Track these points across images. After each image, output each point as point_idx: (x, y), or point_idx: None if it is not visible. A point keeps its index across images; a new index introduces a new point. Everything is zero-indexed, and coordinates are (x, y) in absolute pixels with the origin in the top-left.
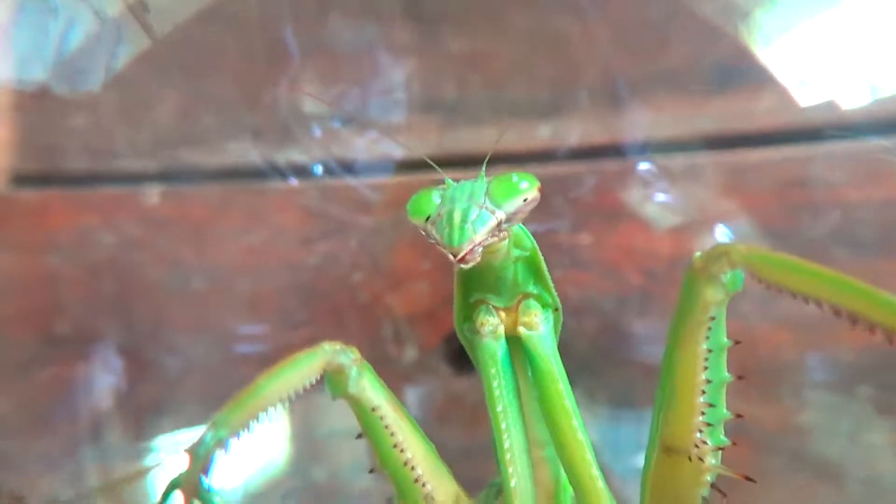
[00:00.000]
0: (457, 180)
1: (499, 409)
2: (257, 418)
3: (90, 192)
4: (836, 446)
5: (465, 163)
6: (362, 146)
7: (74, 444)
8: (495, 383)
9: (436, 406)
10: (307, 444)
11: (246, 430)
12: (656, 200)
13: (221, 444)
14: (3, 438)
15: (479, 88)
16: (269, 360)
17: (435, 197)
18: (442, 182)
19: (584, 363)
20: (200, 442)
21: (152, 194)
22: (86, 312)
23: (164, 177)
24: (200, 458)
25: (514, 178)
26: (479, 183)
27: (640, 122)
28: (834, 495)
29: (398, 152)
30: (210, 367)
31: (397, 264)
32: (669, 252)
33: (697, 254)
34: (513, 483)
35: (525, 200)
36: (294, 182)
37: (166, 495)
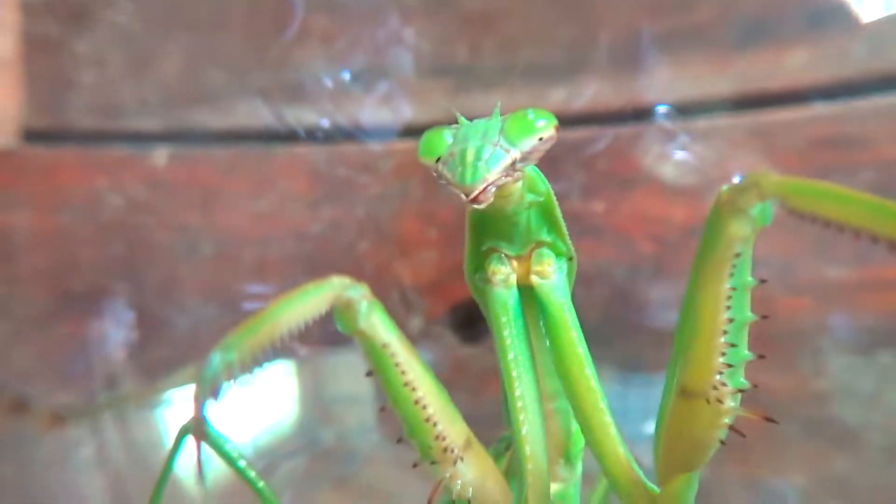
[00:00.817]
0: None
1: (510, 357)
2: (267, 346)
3: (99, 152)
4: (855, 412)
5: None
6: (370, 109)
7: (91, 397)
8: (506, 332)
9: (441, 374)
10: (316, 406)
11: (255, 358)
12: (674, 166)
13: (230, 368)
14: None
15: (491, 50)
16: None
17: (447, 136)
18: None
19: (594, 331)
20: (208, 364)
21: (160, 156)
22: (98, 272)
23: (172, 137)
24: (208, 381)
25: (530, 115)
26: (493, 121)
27: (658, 83)
28: (850, 461)
29: (407, 116)
30: (219, 329)
31: (404, 233)
32: (683, 219)
33: (724, 187)
34: (524, 431)
35: (541, 139)
36: (302, 146)
37: (179, 440)
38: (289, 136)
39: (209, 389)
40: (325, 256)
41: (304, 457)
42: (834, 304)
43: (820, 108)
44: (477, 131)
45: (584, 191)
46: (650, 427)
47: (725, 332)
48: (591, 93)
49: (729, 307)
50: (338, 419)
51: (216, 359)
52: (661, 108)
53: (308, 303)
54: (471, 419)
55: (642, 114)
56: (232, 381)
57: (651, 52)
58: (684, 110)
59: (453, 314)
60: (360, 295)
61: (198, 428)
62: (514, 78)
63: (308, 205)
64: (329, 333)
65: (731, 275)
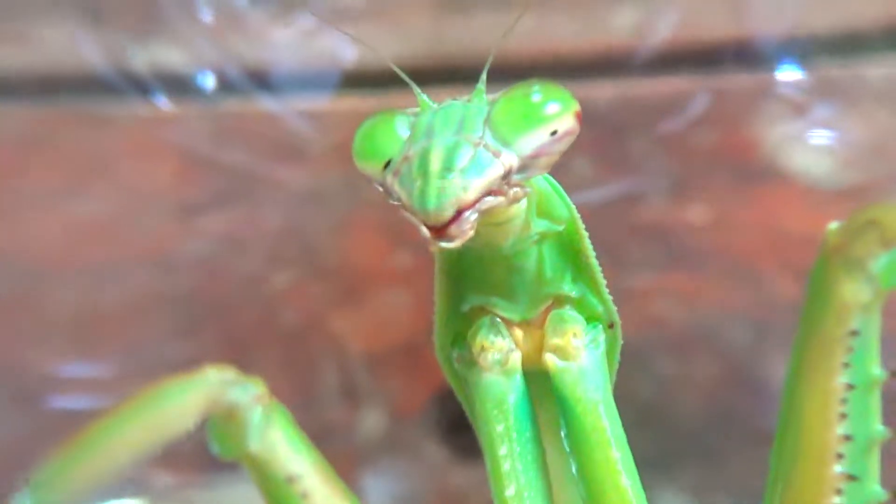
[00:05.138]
0: (439, 101)
1: (509, 493)
2: (100, 481)
3: None
4: None
5: (472, 76)
6: (290, 42)
7: None
8: (503, 450)
9: None
10: None
11: (82, 500)
12: (819, 143)
13: None
14: None
15: None
16: None
17: (400, 126)
18: (415, 104)
19: (691, 439)
20: None
21: None
22: None
23: None
24: None
25: (535, 95)
26: (475, 104)
27: (785, 3)
28: None
29: (354, 55)
30: (3, 439)
31: (353, 258)
32: None
33: (832, 224)
34: None
35: (554, 133)
36: (165, 104)
37: None
38: (140, 88)
39: None
40: (209, 302)
41: None
42: None
43: None
44: (448, 120)
45: (672, 187)
46: None
47: (840, 457)
48: (677, 18)
49: (844, 415)
50: None
51: None
52: (795, 47)
53: (164, 412)
54: None
55: (764, 55)
56: None
57: None
58: (835, 48)
59: (441, 407)
60: (250, 397)
61: None
62: None
63: (178, 208)
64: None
65: (847, 364)
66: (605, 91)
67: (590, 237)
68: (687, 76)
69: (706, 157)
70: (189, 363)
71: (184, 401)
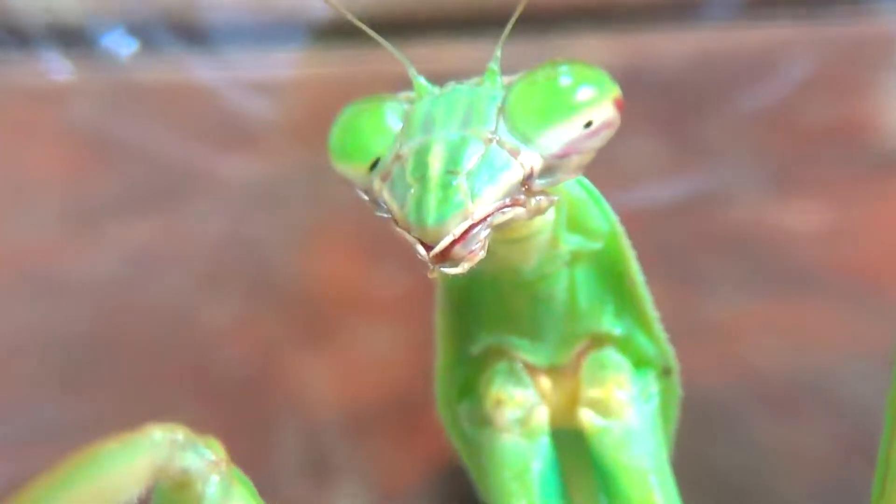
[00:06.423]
0: (439, 82)
1: None
2: None
3: None
4: None
5: (478, 32)
6: None
7: None
8: None
9: None
10: None
11: None
12: None
13: None
14: None
15: None
16: None
17: (391, 116)
18: (409, 86)
19: None
20: None
21: None
22: None
23: None
24: None
25: (563, 77)
26: (486, 88)
27: None
28: None
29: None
30: None
31: (319, 281)
32: None
33: None
34: None
35: (587, 125)
36: (59, 68)
37: None
38: (24, 46)
39: None
40: (118, 342)
41: None
42: None
43: None
44: (452, 109)
45: (767, 180)
46: None
47: None
48: None
49: None
50: None
51: None
52: None
53: (101, 483)
54: None
55: None
56: None
57: None
58: None
59: (442, 482)
60: (205, 463)
61: None
62: None
63: (75, 211)
64: None
65: None
66: (676, 45)
67: (653, 247)
68: (788, 23)
69: (814, 137)
70: (87, 429)
71: (124, 468)
